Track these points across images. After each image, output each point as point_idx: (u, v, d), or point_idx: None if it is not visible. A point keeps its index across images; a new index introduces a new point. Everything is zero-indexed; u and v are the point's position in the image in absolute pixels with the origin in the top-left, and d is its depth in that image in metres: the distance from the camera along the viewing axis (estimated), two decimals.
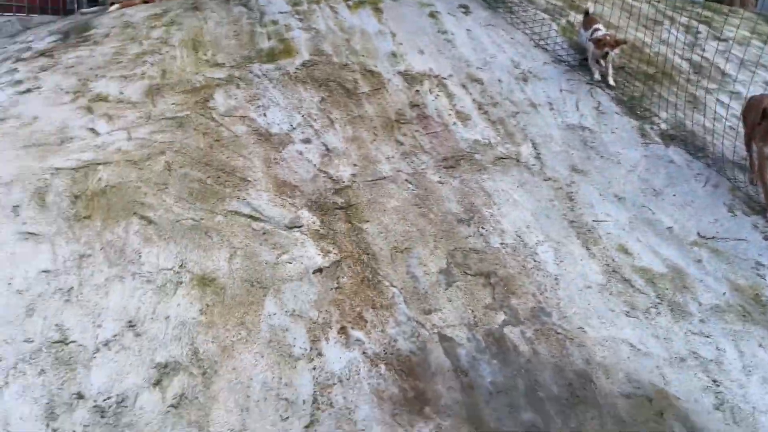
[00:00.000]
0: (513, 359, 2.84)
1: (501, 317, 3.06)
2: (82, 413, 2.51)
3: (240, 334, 2.90)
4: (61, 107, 4.23)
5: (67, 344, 2.77)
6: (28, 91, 4.42)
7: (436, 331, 2.98)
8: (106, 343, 2.80)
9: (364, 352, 2.86)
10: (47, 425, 2.46)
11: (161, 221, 3.43)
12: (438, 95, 4.71)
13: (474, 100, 4.75)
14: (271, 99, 4.48)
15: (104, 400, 2.57)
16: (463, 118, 4.53)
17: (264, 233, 3.45)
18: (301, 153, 4.04)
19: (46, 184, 3.57)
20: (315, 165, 3.99)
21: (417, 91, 4.73)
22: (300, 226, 3.52)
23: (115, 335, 2.83)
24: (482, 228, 3.59)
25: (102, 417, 2.51)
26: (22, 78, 4.58)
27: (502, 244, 3.50)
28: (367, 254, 3.40)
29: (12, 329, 2.80)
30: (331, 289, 3.17)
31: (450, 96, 4.73)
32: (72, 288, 3.02)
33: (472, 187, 3.90)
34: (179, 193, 3.62)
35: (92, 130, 4.03)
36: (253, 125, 4.21)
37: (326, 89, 4.64)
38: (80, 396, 2.58)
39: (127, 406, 2.56)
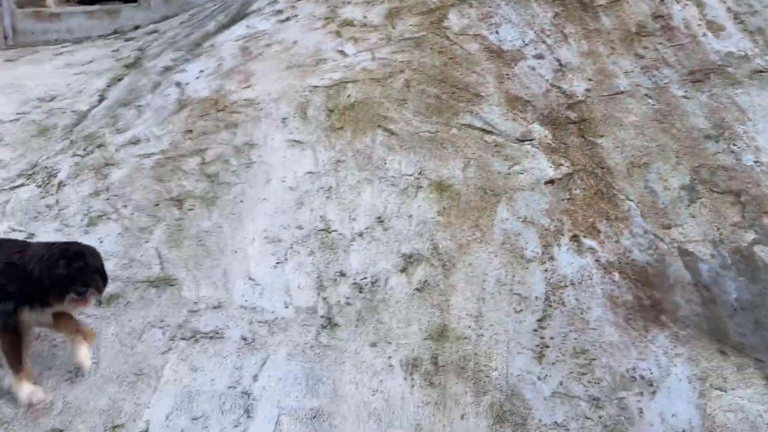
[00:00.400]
0: (763, 278, 2.67)
1: (751, 236, 2.86)
2: (345, 288, 2.97)
3: (475, 234, 3.13)
4: (314, 32, 4.72)
5: (329, 232, 3.24)
6: (287, 19, 5.00)
7: (675, 245, 2.90)
8: (360, 234, 3.21)
9: (597, 260, 2.91)
10: (318, 294, 2.95)
11: (402, 133, 3.74)
12: (686, 5, 4.32)
13: (728, 8, 4.26)
14: (504, 16, 4.50)
15: (361, 279, 3.00)
16: (715, 28, 4.11)
17: (496, 145, 3.59)
18: (533, 68, 4.05)
19: (306, 99, 4.08)
20: (547, 80, 3.98)
21: (662, 0, 4.38)
22: (531, 140, 3.59)
23: (367, 228, 3.24)
24: (733, 145, 3.32)
25: (360, 292, 2.94)
26: (281, 8, 5.18)
27: (756, 162, 3.21)
28: (602, 168, 3.37)
29: (287, 218, 3.35)
30: (563, 199, 3.23)
31: (700, 5, 4.30)
32: (331, 187, 3.48)
33: (723, 102, 3.59)
34: (417, 108, 3.89)
35: (341, 52, 4.46)
36: (485, 43, 4.30)
37: (560, 3, 4.52)
38: (342, 274, 3.03)
39: (380, 286, 2.95)
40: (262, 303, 2.91)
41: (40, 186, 3.78)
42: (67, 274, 2.35)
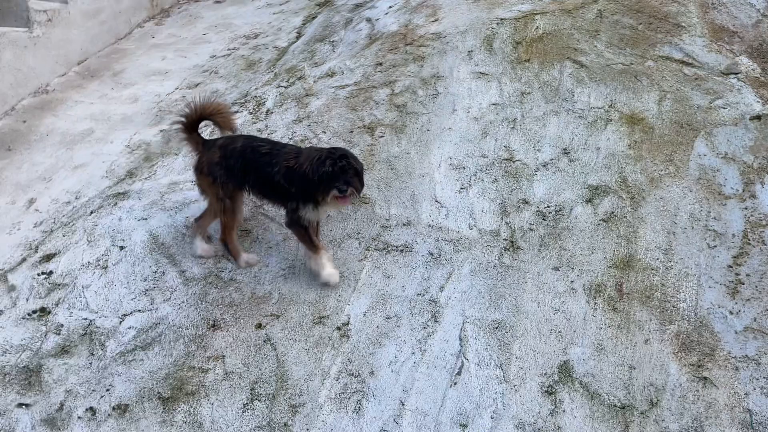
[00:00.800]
0: None
1: None
2: (528, 215, 3.06)
3: (668, 169, 3.04)
4: None
5: (513, 162, 3.33)
6: None
7: None
8: (545, 164, 3.26)
9: None
10: (501, 219, 3.09)
11: (592, 65, 3.66)
12: None
13: None
14: None
15: (545, 207, 3.07)
16: None
17: (696, 78, 3.39)
18: None
19: (492, 32, 4.12)
20: (758, 10, 3.63)
21: None
22: (737, 73, 3.35)
23: (552, 159, 3.28)
24: None
25: (544, 219, 3.02)
26: None
27: None
28: None
29: (472, 146, 3.49)
30: None
31: None
32: (516, 118, 3.54)
33: None
34: (610, 39, 3.77)
35: None
36: None
37: None
38: (525, 202, 3.13)
39: (563, 215, 3.01)
40: (448, 223, 3.12)
41: (251, 113, 4.28)
42: (332, 172, 2.67)
